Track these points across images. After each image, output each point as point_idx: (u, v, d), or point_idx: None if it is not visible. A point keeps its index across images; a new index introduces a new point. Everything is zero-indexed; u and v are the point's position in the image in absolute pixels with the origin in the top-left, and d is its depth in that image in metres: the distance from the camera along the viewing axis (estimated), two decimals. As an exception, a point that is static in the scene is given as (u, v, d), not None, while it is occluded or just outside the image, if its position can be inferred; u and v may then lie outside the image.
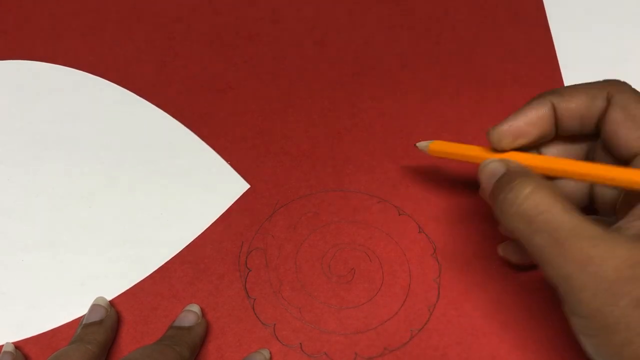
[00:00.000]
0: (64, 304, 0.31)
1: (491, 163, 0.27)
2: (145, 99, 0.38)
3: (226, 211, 0.34)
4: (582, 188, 0.29)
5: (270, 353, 0.30)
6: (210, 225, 0.33)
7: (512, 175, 0.25)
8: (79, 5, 0.41)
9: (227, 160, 0.35)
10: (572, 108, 0.26)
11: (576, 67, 0.39)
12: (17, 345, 0.30)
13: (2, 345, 0.30)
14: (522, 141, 0.27)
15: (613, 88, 0.25)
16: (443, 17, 0.41)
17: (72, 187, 0.35)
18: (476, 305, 0.31)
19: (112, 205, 0.34)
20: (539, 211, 0.23)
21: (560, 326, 0.29)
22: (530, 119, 0.27)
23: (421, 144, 0.32)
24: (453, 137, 0.36)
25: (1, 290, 0.32)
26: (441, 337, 0.30)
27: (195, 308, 0.30)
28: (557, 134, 0.28)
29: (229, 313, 0.31)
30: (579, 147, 0.28)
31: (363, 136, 0.36)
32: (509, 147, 0.27)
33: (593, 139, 0.28)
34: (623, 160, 0.25)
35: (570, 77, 0.38)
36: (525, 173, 0.25)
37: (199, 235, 0.33)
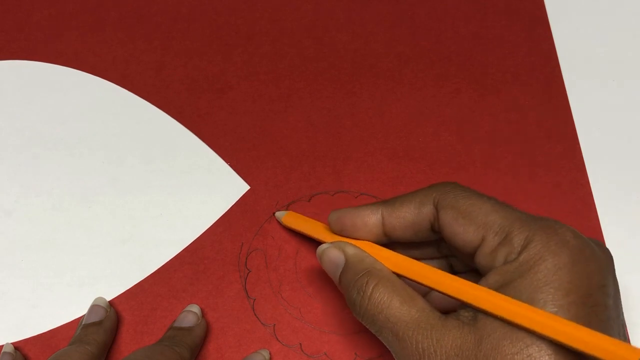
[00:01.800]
0: (63, 304, 0.31)
1: (327, 249, 0.27)
2: (145, 99, 0.38)
3: (226, 212, 0.34)
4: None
5: (270, 353, 0.30)
6: (211, 226, 0.33)
7: (354, 269, 0.26)
8: (79, 5, 0.41)
9: (227, 161, 0.35)
10: (402, 217, 0.26)
11: (576, 67, 0.39)
12: (17, 346, 0.30)
13: (2, 346, 0.30)
14: (355, 235, 0.28)
15: (438, 191, 0.25)
16: (443, 17, 0.41)
17: (72, 187, 0.35)
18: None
19: (112, 205, 0.34)
20: (380, 310, 0.24)
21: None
22: (355, 223, 0.27)
23: (278, 214, 0.33)
24: (453, 137, 0.36)
25: (1, 290, 0.32)
26: (441, 338, 0.30)
27: (195, 308, 0.30)
28: (394, 240, 0.27)
29: (229, 313, 0.31)
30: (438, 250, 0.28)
31: (363, 136, 0.36)
32: (345, 236, 0.28)
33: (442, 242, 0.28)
34: (471, 257, 0.25)
35: (570, 77, 0.38)
36: (364, 265, 0.25)
37: (199, 236, 0.33)
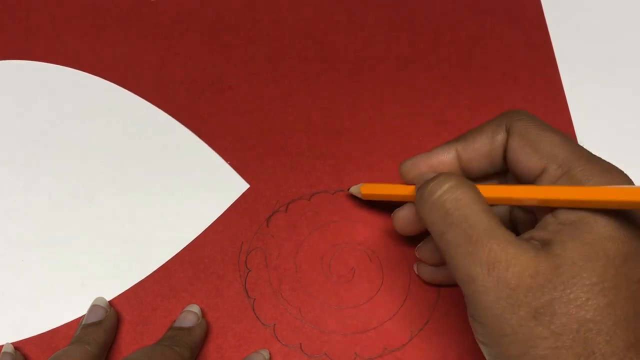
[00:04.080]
0: (64, 304, 0.31)
1: (423, 174, 0.27)
2: (145, 99, 0.38)
3: (226, 211, 0.34)
4: (504, 211, 0.29)
5: (270, 353, 0.30)
6: (210, 225, 0.33)
7: (439, 174, 0.25)
8: (79, 5, 0.41)
9: (226, 160, 0.35)
10: (477, 149, 0.26)
11: (575, 67, 0.39)
12: (17, 346, 0.30)
13: (2, 346, 0.30)
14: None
15: (510, 118, 0.26)
16: (443, 19, 0.41)
17: (72, 187, 0.35)
18: (476, 305, 0.31)
19: (112, 205, 0.34)
20: (458, 206, 0.23)
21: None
22: (432, 163, 0.27)
23: (353, 189, 0.33)
24: (453, 137, 0.36)
25: (1, 290, 0.32)
26: (441, 337, 0.30)
27: (195, 308, 0.30)
28: (470, 176, 0.28)
29: (229, 313, 0.31)
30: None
31: (363, 136, 0.36)
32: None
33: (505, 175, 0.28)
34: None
35: (570, 77, 0.38)
36: (451, 172, 0.25)
37: (198, 235, 0.33)
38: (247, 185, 0.35)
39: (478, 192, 0.23)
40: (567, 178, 0.23)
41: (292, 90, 0.38)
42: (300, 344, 0.30)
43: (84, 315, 0.30)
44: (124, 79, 0.38)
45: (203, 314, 0.31)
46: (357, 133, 0.36)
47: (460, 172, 0.27)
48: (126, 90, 0.38)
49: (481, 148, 0.26)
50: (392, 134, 0.36)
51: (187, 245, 0.33)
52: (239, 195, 0.34)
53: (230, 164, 0.35)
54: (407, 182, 0.29)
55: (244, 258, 0.32)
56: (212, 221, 0.33)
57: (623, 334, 0.20)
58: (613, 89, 0.38)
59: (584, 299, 0.21)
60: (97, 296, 0.31)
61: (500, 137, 0.26)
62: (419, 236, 0.32)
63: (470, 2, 0.42)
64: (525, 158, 0.25)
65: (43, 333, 0.31)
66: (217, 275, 0.32)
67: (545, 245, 0.22)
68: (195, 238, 0.33)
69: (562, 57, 0.39)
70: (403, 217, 0.29)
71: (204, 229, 0.33)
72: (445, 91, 0.38)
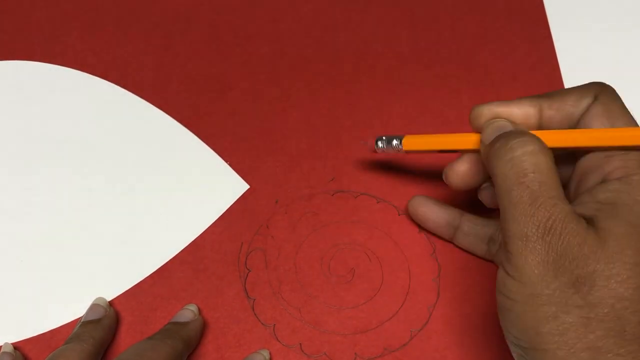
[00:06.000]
0: (64, 304, 0.31)
1: (499, 121, 0.27)
2: (145, 99, 0.38)
3: (226, 212, 0.34)
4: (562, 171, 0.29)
5: (270, 353, 0.30)
6: (210, 226, 0.33)
7: (521, 131, 0.25)
8: (79, 5, 0.41)
9: (226, 161, 0.35)
10: (563, 108, 0.27)
11: (576, 67, 0.39)
12: (17, 346, 0.30)
13: (2, 346, 0.30)
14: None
15: (600, 88, 0.26)
16: (442, 17, 0.41)
17: (72, 187, 0.35)
18: (476, 305, 0.31)
19: (112, 205, 0.34)
20: (533, 169, 0.23)
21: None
22: (512, 112, 0.27)
23: (383, 145, 0.32)
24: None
25: (1, 290, 0.32)
26: (441, 338, 0.30)
27: (192, 307, 0.31)
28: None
29: (229, 313, 0.31)
30: None
31: (362, 136, 0.36)
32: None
33: None
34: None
35: (570, 77, 0.38)
36: (532, 135, 0.25)
37: (198, 236, 0.33)
38: (247, 186, 0.34)
39: (553, 161, 0.24)
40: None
41: (292, 90, 0.38)
42: (300, 344, 0.30)
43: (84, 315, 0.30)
44: (123, 79, 0.38)
45: (201, 314, 0.31)
46: (357, 133, 0.36)
47: (537, 128, 0.27)
48: (126, 91, 0.38)
49: (566, 108, 0.26)
50: (392, 133, 0.36)
51: (187, 246, 0.33)
52: (239, 196, 0.34)
53: (230, 165, 0.35)
54: (475, 128, 0.28)
55: (244, 258, 0.32)
56: (212, 222, 0.33)
57: None
58: (615, 87, 0.38)
59: (625, 276, 0.21)
60: (97, 296, 0.31)
61: (586, 102, 0.26)
62: (417, 236, 0.32)
63: (471, 0, 0.42)
64: (597, 125, 0.25)
65: (43, 333, 0.31)
66: (217, 275, 0.32)
67: (588, 220, 0.23)
68: (195, 238, 0.33)
69: (563, 54, 0.39)
70: (464, 171, 0.29)
71: (204, 229, 0.33)
72: (445, 90, 0.38)
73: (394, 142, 0.31)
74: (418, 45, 0.40)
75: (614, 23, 0.41)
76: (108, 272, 0.32)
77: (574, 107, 0.26)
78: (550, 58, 0.39)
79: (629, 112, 0.26)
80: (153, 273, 0.32)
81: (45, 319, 0.31)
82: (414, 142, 0.31)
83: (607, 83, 0.27)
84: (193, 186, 0.35)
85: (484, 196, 0.30)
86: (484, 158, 0.26)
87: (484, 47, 0.39)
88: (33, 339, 0.31)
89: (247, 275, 0.32)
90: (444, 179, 0.30)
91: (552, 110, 0.27)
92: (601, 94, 0.26)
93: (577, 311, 0.21)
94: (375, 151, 0.32)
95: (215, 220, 0.33)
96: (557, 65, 0.39)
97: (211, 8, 0.41)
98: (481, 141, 0.27)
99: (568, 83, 0.38)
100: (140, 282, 0.32)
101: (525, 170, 0.23)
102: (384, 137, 0.32)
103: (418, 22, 0.41)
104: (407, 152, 0.31)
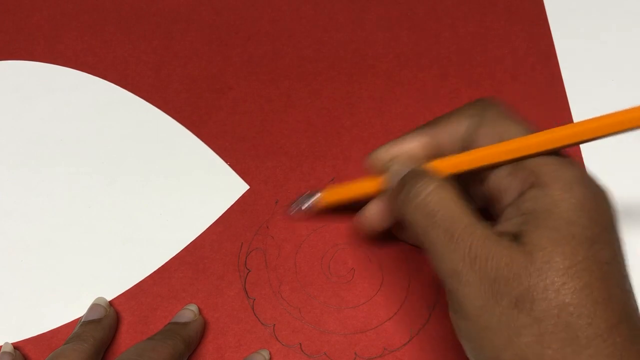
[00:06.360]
0: (63, 304, 0.31)
1: (396, 165, 0.27)
2: (145, 99, 0.38)
3: (226, 212, 0.34)
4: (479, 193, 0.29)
5: (270, 353, 0.30)
6: (210, 226, 0.33)
7: (418, 173, 0.26)
8: (79, 5, 0.41)
9: (226, 161, 0.35)
10: (455, 131, 0.27)
11: (576, 67, 0.39)
12: (17, 346, 0.30)
13: (2, 346, 0.30)
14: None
15: (483, 105, 0.26)
16: (442, 17, 0.41)
17: (72, 187, 0.35)
18: (476, 306, 0.31)
19: (112, 205, 0.34)
20: (439, 207, 0.24)
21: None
22: (408, 149, 0.28)
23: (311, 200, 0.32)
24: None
25: (1, 290, 0.32)
26: (441, 338, 0.30)
27: (192, 307, 0.31)
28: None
29: (229, 313, 0.31)
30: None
31: (362, 136, 0.36)
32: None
33: None
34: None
35: (570, 77, 0.38)
36: (430, 173, 0.25)
37: (198, 236, 0.33)
38: (247, 186, 0.35)
39: (458, 191, 0.24)
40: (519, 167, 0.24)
41: (291, 90, 0.38)
42: (300, 344, 0.30)
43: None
44: (123, 79, 0.38)
45: (201, 313, 0.31)
46: (357, 133, 0.36)
47: (438, 156, 0.27)
48: (126, 91, 0.38)
49: (458, 130, 0.26)
50: (392, 134, 0.36)
51: (187, 246, 0.33)
52: (239, 196, 0.34)
53: (230, 165, 0.35)
54: (377, 172, 0.28)
55: (244, 258, 0.32)
56: (212, 222, 0.33)
57: (603, 315, 0.20)
58: (615, 87, 0.38)
59: (559, 283, 0.21)
60: (97, 296, 0.31)
61: (474, 120, 0.26)
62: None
63: (471, 0, 0.42)
64: (489, 143, 0.25)
65: (43, 333, 0.31)
66: (217, 275, 0.32)
67: (515, 237, 0.22)
68: (195, 238, 0.33)
69: (563, 55, 0.39)
70: (375, 214, 0.29)
71: (203, 229, 0.33)
72: (445, 90, 0.38)
73: (308, 202, 0.32)
74: (418, 45, 0.40)
75: (614, 23, 0.41)
76: (108, 272, 0.32)
77: (461, 129, 0.26)
78: (550, 58, 0.39)
79: (519, 122, 0.25)
80: (153, 273, 0.32)
81: (45, 319, 0.31)
82: (328, 197, 0.32)
83: (516, 106, 0.27)
84: (193, 186, 0.35)
85: (402, 236, 0.31)
86: (391, 204, 0.27)
87: (484, 47, 0.39)
88: (33, 339, 0.31)
89: (247, 275, 0.32)
90: (358, 227, 0.30)
91: (445, 134, 0.27)
92: (486, 110, 0.26)
93: (528, 330, 0.21)
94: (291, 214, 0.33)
95: (215, 221, 0.33)
96: (557, 65, 0.39)
97: (211, 8, 0.41)
98: (385, 189, 0.27)
99: (568, 83, 0.38)
100: (141, 282, 0.32)
101: (433, 211, 0.24)
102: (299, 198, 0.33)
103: (418, 22, 0.41)
104: (323, 208, 0.32)
